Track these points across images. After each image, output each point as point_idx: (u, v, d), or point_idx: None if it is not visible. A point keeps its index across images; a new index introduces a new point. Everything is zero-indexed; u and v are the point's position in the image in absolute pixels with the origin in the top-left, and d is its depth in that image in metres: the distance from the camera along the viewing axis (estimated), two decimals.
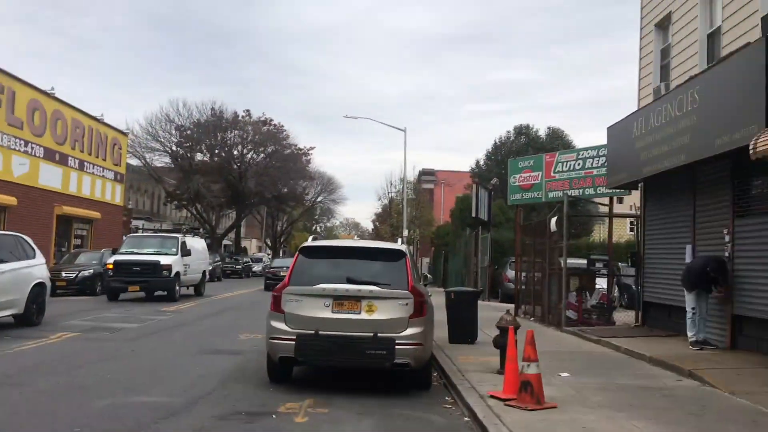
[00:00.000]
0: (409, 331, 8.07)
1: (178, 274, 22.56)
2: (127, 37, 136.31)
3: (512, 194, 19.52)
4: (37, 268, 14.16)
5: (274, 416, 6.90)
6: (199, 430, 6.30)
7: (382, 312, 8.09)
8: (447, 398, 8.21)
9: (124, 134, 42.48)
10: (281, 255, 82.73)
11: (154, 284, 22.13)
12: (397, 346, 7.95)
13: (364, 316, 8.09)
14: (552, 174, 17.97)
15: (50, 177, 31.70)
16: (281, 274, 42.14)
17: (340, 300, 8.14)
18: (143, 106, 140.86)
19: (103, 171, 37.62)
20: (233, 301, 24.61)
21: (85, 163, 35.39)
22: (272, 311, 8.40)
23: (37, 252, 14.58)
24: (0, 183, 27.49)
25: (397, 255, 8.74)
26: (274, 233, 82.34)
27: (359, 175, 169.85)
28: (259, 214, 75.10)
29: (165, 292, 22.29)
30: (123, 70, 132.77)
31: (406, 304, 8.13)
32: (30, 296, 13.59)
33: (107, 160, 38.24)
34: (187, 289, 24.61)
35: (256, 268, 53.54)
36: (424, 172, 61.26)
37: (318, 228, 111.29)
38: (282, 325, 8.22)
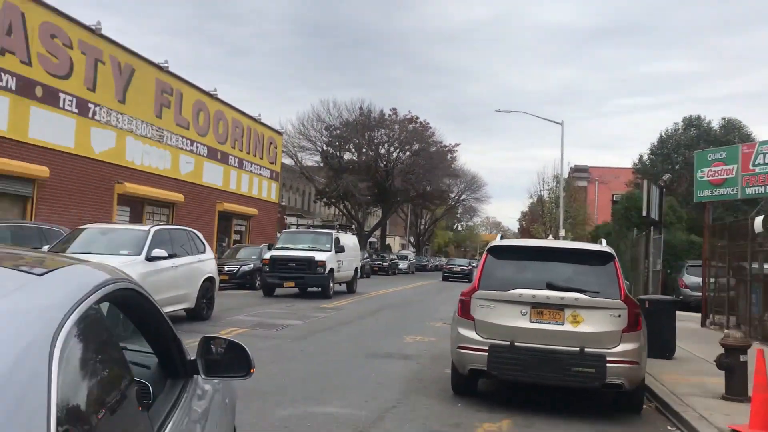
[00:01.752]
0: (622, 347, 6.89)
1: (332, 270, 22.42)
2: (278, 43, 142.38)
3: (700, 190, 17.44)
4: (207, 263, 14.25)
5: None
6: None
7: (590, 324, 6.96)
8: (669, 428, 6.94)
9: (279, 134, 43.70)
10: (424, 253, 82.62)
11: (309, 280, 22.09)
12: (608, 364, 6.80)
13: (567, 327, 7.00)
14: (750, 167, 15.78)
15: (213, 175, 33.02)
16: (454, 270, 43.30)
17: (539, 308, 7.11)
18: (294, 107, 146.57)
19: (260, 169, 38.82)
20: (387, 299, 24.16)
21: (244, 162, 36.63)
22: (460, 317, 7.51)
23: (207, 247, 14.72)
24: (169, 180, 28.88)
25: (604, 258, 7.56)
26: (417, 231, 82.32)
27: (500, 174, 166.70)
28: (402, 212, 75.27)
29: (319, 289, 22.20)
30: (273, 74, 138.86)
31: (619, 316, 6.95)
32: (200, 291, 13.68)
33: (264, 158, 39.43)
34: (339, 285, 24.50)
35: (402, 265, 53.42)
36: (576, 169, 58.38)
37: (459, 227, 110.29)
38: (472, 334, 7.31)
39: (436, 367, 9.61)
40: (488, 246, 8.15)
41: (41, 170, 20.82)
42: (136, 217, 26.75)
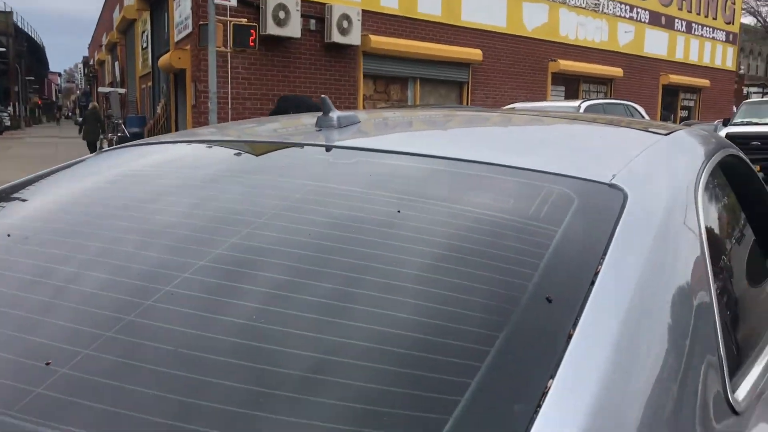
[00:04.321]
0: None
1: None
2: None
3: None
4: None
5: None
6: None
7: None
8: None
9: None
10: None
11: None
12: None
13: None
14: None
15: (655, 44, 29.20)
16: None
17: None
18: None
19: (713, 32, 33.14)
20: None
21: (693, 25, 31.56)
22: None
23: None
24: (606, 54, 26.34)
25: None
26: None
27: None
28: None
29: None
30: None
31: None
32: None
33: (717, 19, 33.48)
34: None
35: None
36: None
37: None
38: None
39: None
40: None
41: (475, 53, 20.51)
42: (571, 96, 25.18)
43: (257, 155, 1.47)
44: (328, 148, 1.43)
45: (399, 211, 1.11)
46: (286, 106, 4.61)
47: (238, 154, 1.48)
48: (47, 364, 0.82)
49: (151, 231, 1.12)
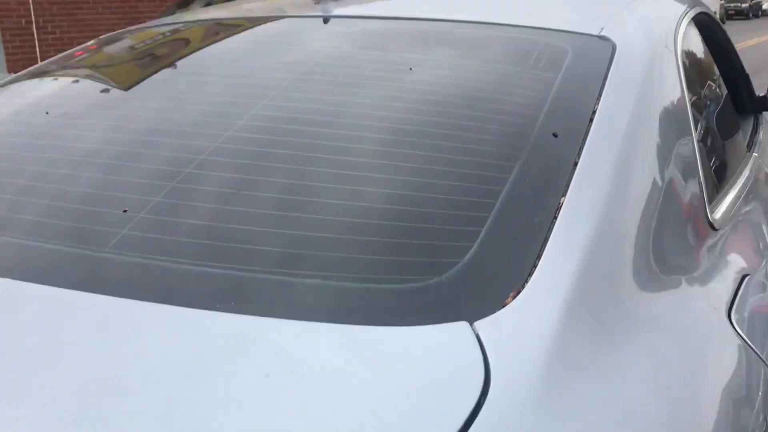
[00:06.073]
0: None
1: None
2: None
3: None
4: None
5: None
6: None
7: None
8: None
9: None
10: None
11: None
12: None
13: None
14: None
15: None
16: None
17: None
18: None
19: None
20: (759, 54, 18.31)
21: None
22: None
23: None
24: None
25: None
26: None
27: None
28: None
29: None
30: None
31: None
32: None
33: None
34: None
35: None
36: None
37: None
38: None
39: None
40: None
41: None
42: None
43: (271, 30, 1.56)
44: (328, 19, 1.52)
45: (411, 69, 1.22)
46: None
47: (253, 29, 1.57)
48: (124, 211, 0.92)
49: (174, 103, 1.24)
